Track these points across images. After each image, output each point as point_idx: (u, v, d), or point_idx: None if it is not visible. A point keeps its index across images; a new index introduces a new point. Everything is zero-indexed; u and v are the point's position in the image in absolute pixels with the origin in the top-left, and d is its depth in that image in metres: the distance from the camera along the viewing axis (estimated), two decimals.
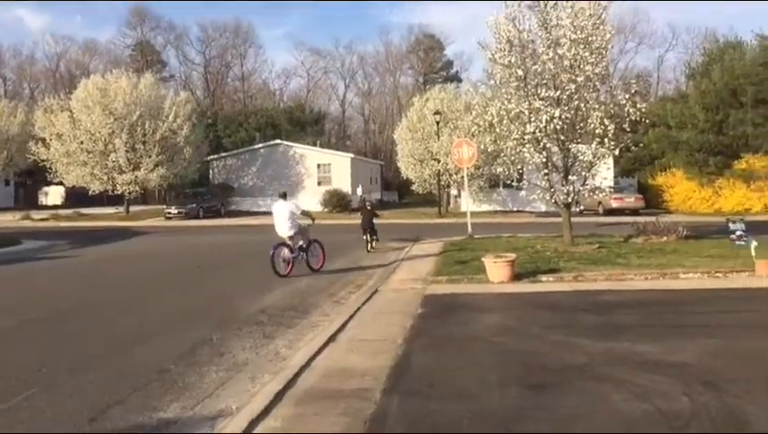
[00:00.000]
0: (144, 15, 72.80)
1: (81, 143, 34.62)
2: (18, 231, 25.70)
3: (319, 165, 41.31)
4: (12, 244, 19.62)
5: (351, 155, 43.88)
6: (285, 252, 12.92)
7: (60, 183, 39.90)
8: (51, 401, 5.47)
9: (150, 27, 73.41)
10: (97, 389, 5.79)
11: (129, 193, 36.24)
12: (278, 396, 5.32)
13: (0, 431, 4.88)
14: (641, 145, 25.25)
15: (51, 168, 35.78)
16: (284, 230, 13.04)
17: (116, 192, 36.21)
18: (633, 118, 14.95)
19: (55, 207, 44.56)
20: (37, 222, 33.11)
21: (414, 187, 39.15)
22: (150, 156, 35.06)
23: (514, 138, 15.35)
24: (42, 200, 49.88)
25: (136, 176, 35.16)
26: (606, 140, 14.80)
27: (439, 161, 34.80)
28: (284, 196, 13.88)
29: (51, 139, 35.26)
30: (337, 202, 37.82)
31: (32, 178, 47.82)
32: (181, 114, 36.62)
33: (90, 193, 37.18)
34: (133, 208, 38.28)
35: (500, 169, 16.96)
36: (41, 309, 9.73)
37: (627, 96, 15.06)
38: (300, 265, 13.13)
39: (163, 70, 70.66)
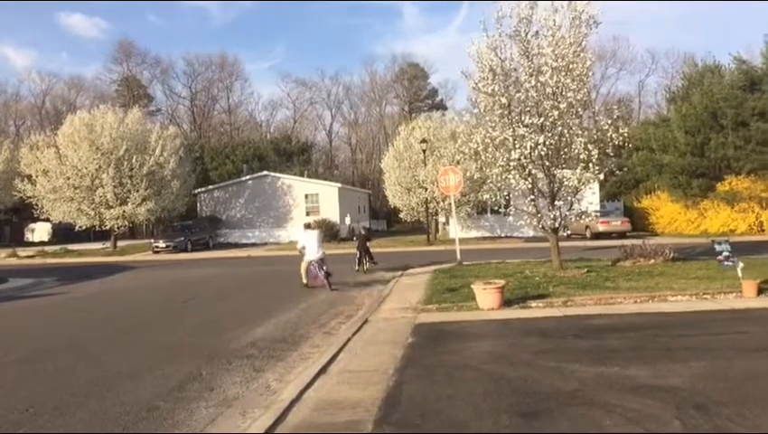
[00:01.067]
0: (129, 51, 73.32)
1: (68, 178, 34.48)
2: (4, 269, 25.44)
3: (307, 195, 41.37)
4: None
5: (339, 185, 43.99)
6: (315, 269, 15.99)
7: (47, 220, 39.57)
8: None
9: (136, 62, 73.92)
10: (85, 428, 5.70)
11: (117, 228, 36.04)
12: (269, 431, 5.28)
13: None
14: (626, 168, 25.63)
15: (37, 205, 35.51)
16: (317, 253, 16.02)
17: (103, 227, 35.98)
18: (617, 143, 15.14)
19: (42, 243, 44.17)
20: (23, 260, 32.79)
21: (402, 215, 39.23)
22: (138, 191, 34.94)
23: (500, 165, 15.49)
24: (29, 236, 49.40)
25: (124, 211, 35.00)
26: (591, 165, 14.97)
27: (426, 189, 34.96)
28: (309, 226, 17.82)
29: (37, 176, 35.08)
30: (325, 231, 37.78)
31: (19, 215, 47.40)
32: (168, 147, 36.63)
33: (77, 228, 36.91)
34: (120, 243, 38.04)
35: (486, 196, 17.11)
36: (26, 348, 9.59)
37: (610, 121, 15.29)
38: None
39: (149, 105, 70.97)
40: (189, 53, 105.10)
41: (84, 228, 36.62)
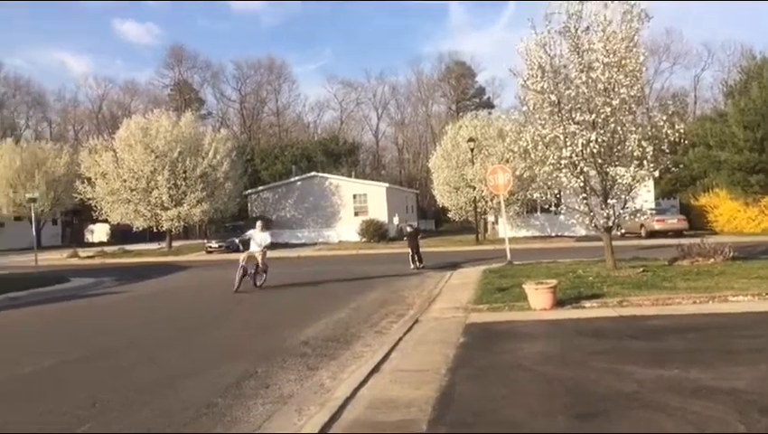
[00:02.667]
0: (181, 56, 75.28)
1: (125, 181, 35.59)
2: (66, 269, 26.44)
3: (355, 196, 41.66)
4: (60, 282, 20.15)
5: (387, 185, 44.15)
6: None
7: (106, 221, 40.93)
8: None
9: (187, 67, 75.87)
10: (147, 425, 5.89)
11: (173, 228, 37.00)
12: (325, 428, 5.35)
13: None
14: (682, 165, 24.89)
15: (96, 206, 36.75)
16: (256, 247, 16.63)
17: (159, 228, 36.99)
18: (672, 139, 14.75)
19: (101, 244, 45.74)
20: (84, 260, 33.99)
21: (450, 215, 39.09)
22: (193, 193, 35.81)
23: (550, 163, 15.28)
24: (89, 237, 51.26)
25: (179, 212, 35.90)
26: (645, 162, 14.62)
27: (474, 188, 34.75)
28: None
29: (95, 178, 36.32)
30: (374, 231, 38.00)
31: (79, 217, 49.30)
32: (220, 150, 37.44)
33: (134, 229, 38.05)
34: (175, 243, 39.05)
35: (536, 194, 16.87)
36: (89, 347, 9.95)
37: (664, 117, 14.89)
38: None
39: (201, 108, 72.66)
40: (238, 57, 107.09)
41: (141, 229, 37.71)
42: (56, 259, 33.75)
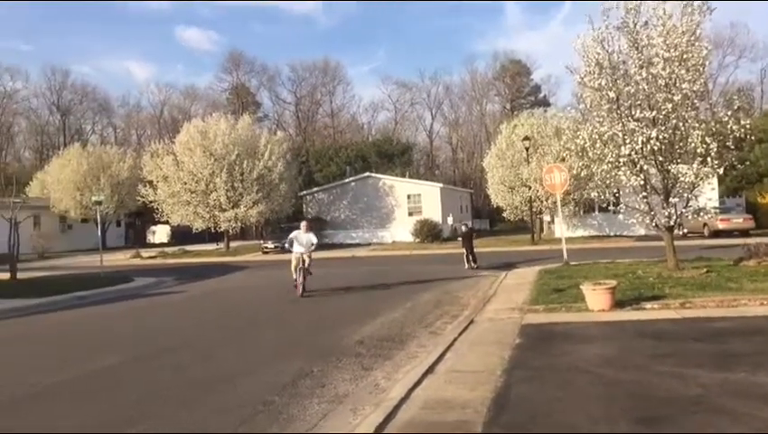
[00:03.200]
0: (238, 60, 76.85)
1: (185, 184, 36.55)
2: (130, 269, 27.38)
3: (409, 196, 41.66)
4: (125, 282, 20.91)
5: (441, 185, 43.98)
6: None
7: (167, 222, 42.15)
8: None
9: (244, 71, 77.35)
10: (207, 421, 6.04)
11: (230, 229, 37.83)
12: (379, 428, 5.37)
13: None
14: (748, 162, 23.93)
15: (157, 209, 37.88)
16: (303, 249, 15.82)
17: (217, 229, 37.87)
18: (738, 135, 14.19)
19: (162, 245, 47.15)
20: (146, 260, 35.16)
21: (505, 214, 38.62)
22: (249, 194, 36.52)
23: (608, 162, 14.92)
24: (150, 238, 52.93)
25: (236, 214, 36.66)
26: (709, 159, 14.11)
27: (530, 187, 34.26)
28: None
29: (157, 181, 37.44)
30: (428, 231, 37.91)
31: (141, 218, 50.98)
32: (276, 152, 38.02)
33: (194, 230, 39.07)
34: (232, 244, 39.89)
35: (594, 193, 16.50)
36: (150, 346, 10.27)
37: (729, 112, 14.34)
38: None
39: (257, 111, 73.93)
40: (293, 60, 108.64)
41: (200, 230, 38.68)
42: (120, 259, 35.00)
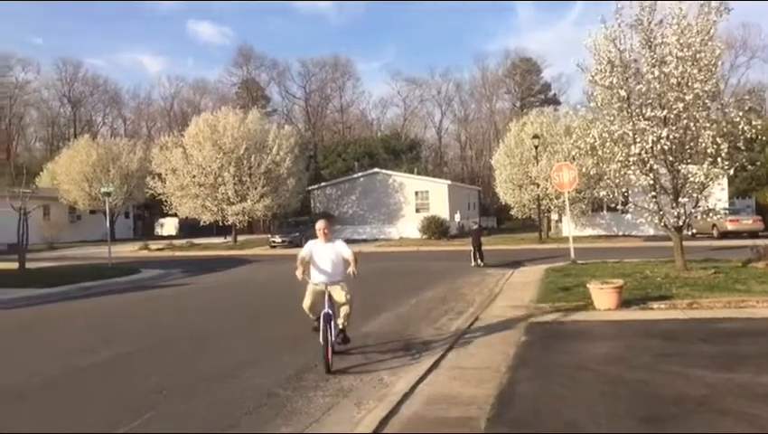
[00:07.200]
0: (249, 55, 76.95)
1: (193, 177, 36.63)
2: (137, 261, 27.50)
3: (417, 193, 41.61)
4: (132, 273, 21.00)
5: (449, 182, 43.89)
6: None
7: (175, 215, 42.26)
8: (171, 423, 5.82)
9: (255, 66, 77.47)
10: (211, 412, 6.06)
11: (238, 223, 37.91)
12: (383, 423, 5.38)
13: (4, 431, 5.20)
14: (758, 163, 23.77)
15: (166, 201, 37.97)
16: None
17: (225, 222, 37.96)
18: (748, 136, 14.09)
19: (170, 237, 47.29)
20: (154, 252, 35.29)
21: (513, 212, 38.47)
22: (256, 188, 36.56)
23: (618, 161, 14.84)
24: (158, 231, 53.17)
25: (244, 207, 36.71)
26: (719, 160, 14.01)
27: (538, 185, 34.14)
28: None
29: (166, 174, 37.50)
30: (435, 228, 37.83)
31: (149, 211, 51.24)
32: (284, 146, 38.01)
33: (202, 223, 39.20)
34: (239, 237, 39.97)
35: (603, 192, 16.42)
36: (157, 337, 10.31)
37: (741, 113, 14.23)
38: None
39: (267, 106, 74.09)
40: (304, 55, 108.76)
41: (208, 223, 38.80)
42: (128, 250, 35.12)
